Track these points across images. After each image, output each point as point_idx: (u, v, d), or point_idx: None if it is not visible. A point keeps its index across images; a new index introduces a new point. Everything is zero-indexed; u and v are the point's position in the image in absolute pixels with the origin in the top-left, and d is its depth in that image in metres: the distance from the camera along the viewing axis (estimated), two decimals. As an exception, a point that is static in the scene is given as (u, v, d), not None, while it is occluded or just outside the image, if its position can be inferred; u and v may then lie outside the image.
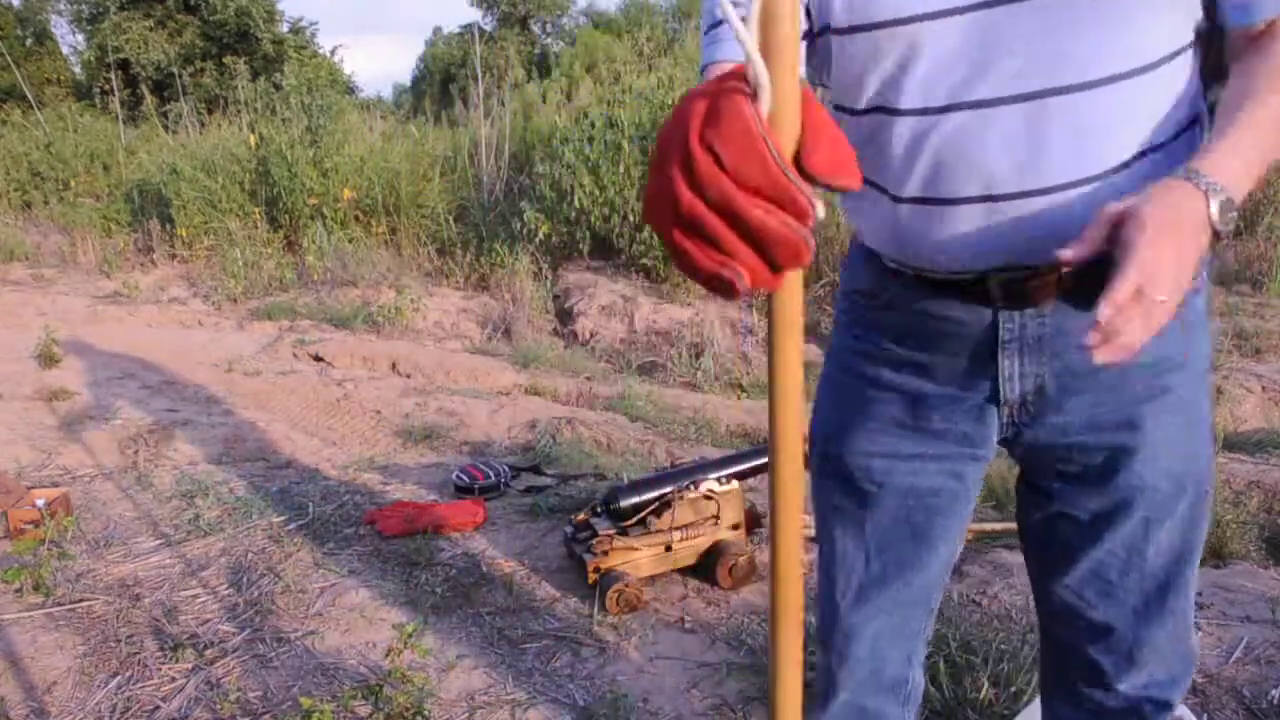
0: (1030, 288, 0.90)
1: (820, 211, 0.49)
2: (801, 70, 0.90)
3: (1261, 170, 0.77)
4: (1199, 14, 0.84)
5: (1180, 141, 0.87)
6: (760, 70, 0.47)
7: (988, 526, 2.75)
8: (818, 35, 0.93)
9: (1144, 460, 0.96)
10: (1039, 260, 0.87)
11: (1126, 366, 0.91)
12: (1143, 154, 0.84)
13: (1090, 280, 0.86)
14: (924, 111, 0.87)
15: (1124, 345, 0.70)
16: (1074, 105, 0.82)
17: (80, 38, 19.02)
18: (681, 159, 0.48)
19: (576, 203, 6.40)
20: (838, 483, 1.10)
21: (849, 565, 1.13)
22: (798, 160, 0.49)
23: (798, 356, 0.55)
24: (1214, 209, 0.73)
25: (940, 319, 0.97)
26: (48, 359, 4.81)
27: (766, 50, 0.47)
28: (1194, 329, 0.96)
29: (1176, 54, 0.83)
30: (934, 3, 0.84)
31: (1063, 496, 1.02)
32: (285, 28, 18.68)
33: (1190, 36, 0.84)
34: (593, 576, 2.29)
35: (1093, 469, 0.98)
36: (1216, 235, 0.74)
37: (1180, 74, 0.84)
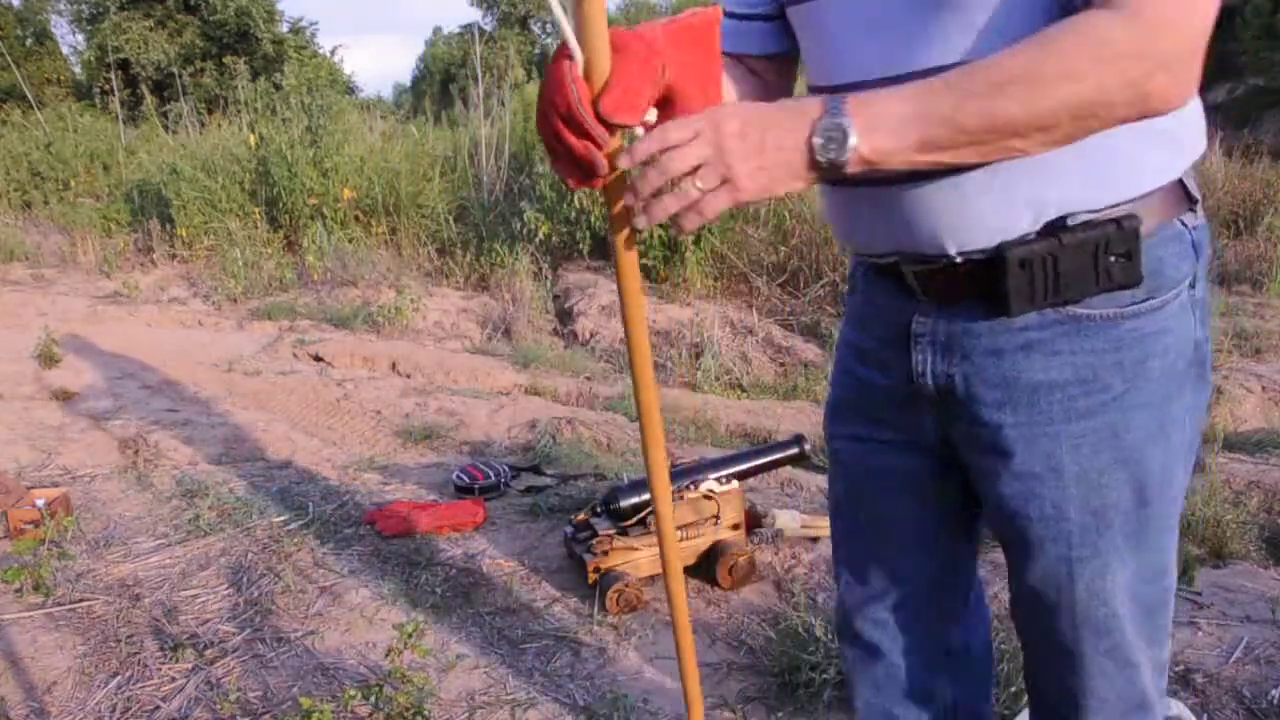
0: (937, 281, 0.90)
1: (638, 132, 0.76)
2: (748, 48, 0.99)
3: (947, 128, 0.71)
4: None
5: None
6: (570, 41, 0.71)
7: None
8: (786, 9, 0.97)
9: (1056, 489, 0.90)
10: (927, 249, 0.87)
11: (1039, 381, 0.87)
12: None
13: (991, 281, 0.85)
14: (821, 90, 0.90)
15: (655, 215, 0.75)
16: None
17: (80, 38, 19.04)
18: (538, 97, 0.74)
19: (576, 203, 6.39)
20: (829, 464, 1.15)
21: (835, 542, 1.17)
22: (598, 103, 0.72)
23: (636, 285, 0.84)
24: (818, 131, 0.72)
25: (879, 306, 0.99)
26: (48, 359, 4.81)
27: (580, 24, 0.71)
28: (1135, 355, 0.86)
29: None
30: None
31: (988, 518, 1.01)
32: (285, 28, 18.69)
33: None
34: (593, 576, 2.29)
35: (1003, 496, 0.94)
36: (816, 163, 0.73)
37: None
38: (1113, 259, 0.82)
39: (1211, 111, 0.93)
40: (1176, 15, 0.69)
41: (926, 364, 0.94)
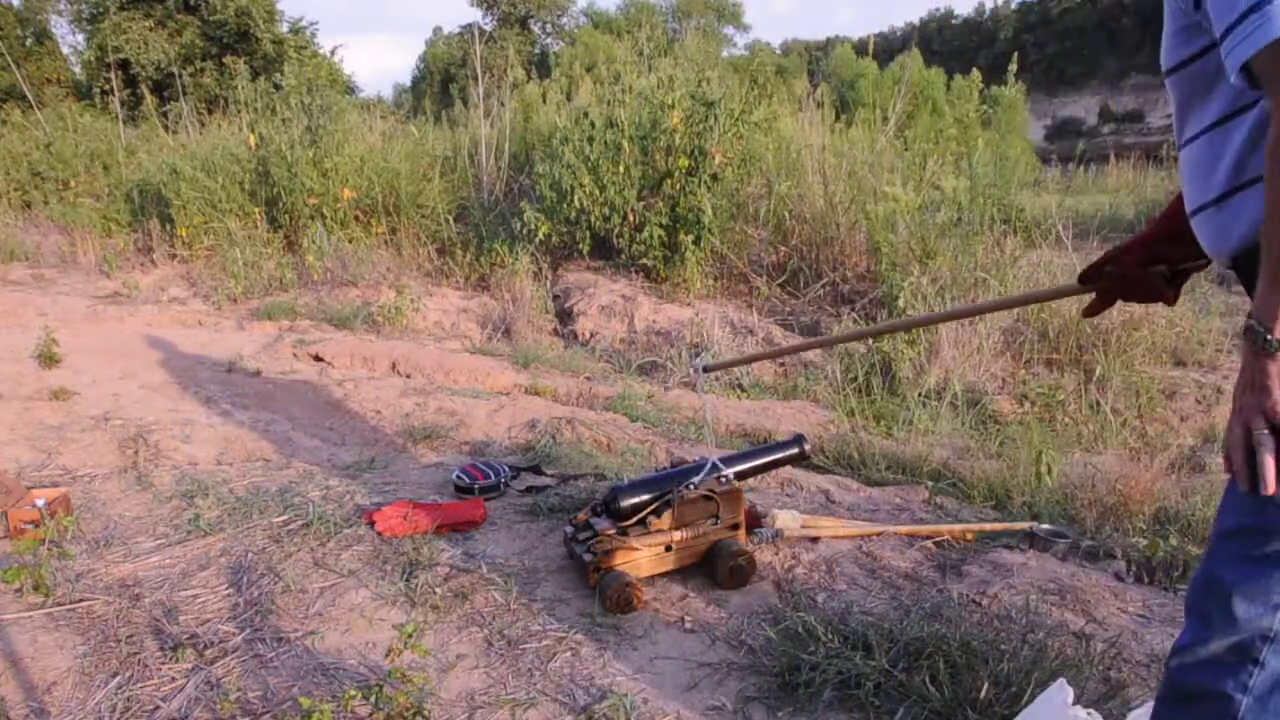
0: None
1: None
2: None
3: None
4: None
5: None
6: None
7: (988, 526, 2.75)
8: None
9: None
10: None
11: None
12: None
13: None
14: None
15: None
16: None
17: (80, 38, 19.02)
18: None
19: (576, 203, 6.40)
20: None
21: None
22: None
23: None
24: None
25: None
26: (48, 359, 4.81)
27: None
28: None
29: None
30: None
31: None
32: (285, 28, 18.66)
33: None
34: (593, 576, 2.29)
35: None
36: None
37: None
38: None
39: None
40: None
41: None
